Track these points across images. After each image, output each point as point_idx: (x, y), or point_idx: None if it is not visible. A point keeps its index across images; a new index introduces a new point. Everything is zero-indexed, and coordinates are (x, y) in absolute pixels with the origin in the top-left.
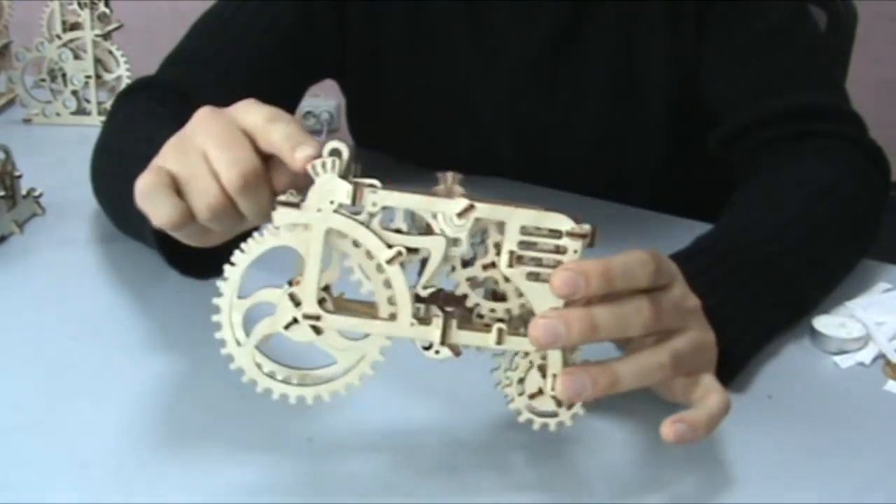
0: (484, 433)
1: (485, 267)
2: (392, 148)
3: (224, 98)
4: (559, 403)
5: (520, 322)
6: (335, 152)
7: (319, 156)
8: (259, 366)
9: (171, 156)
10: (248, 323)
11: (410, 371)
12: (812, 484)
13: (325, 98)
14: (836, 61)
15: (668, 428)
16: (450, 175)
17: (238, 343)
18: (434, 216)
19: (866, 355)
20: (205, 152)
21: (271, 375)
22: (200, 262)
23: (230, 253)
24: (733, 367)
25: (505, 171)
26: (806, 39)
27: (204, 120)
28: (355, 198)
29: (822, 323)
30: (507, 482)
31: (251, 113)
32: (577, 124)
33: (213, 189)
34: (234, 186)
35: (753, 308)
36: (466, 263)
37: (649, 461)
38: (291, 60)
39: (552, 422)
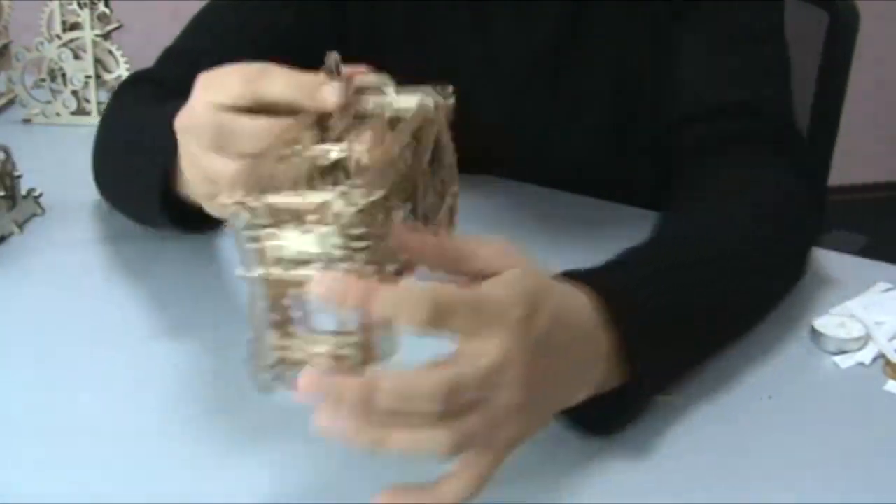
0: None
1: None
2: None
3: None
4: None
5: None
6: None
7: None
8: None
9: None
10: None
11: None
12: (812, 484)
13: None
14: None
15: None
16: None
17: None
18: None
19: (866, 355)
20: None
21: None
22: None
23: None
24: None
25: (506, 171)
26: (767, 47)
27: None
28: None
29: (822, 323)
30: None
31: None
32: (578, 124)
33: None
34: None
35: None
36: None
37: (646, 459)
38: (289, 59)
39: None
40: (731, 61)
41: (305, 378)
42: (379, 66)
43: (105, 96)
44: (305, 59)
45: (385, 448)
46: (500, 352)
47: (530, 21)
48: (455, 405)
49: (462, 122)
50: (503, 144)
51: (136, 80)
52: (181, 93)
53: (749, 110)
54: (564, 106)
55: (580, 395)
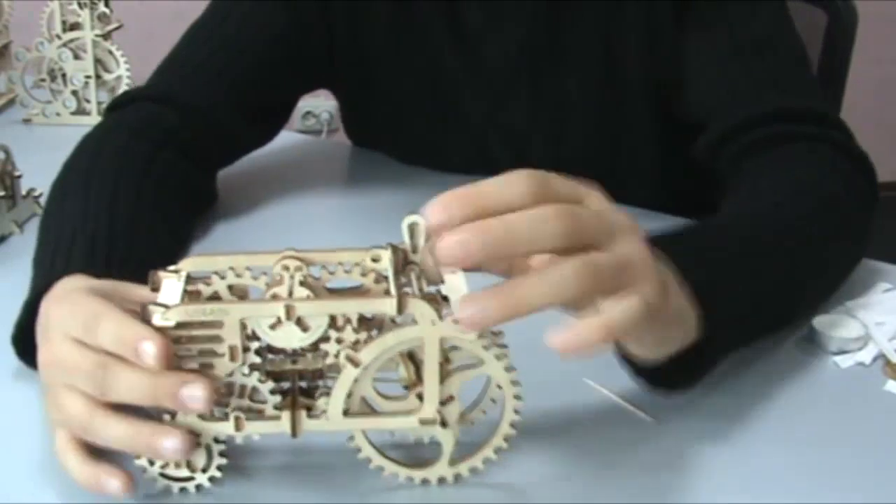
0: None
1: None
2: (387, 149)
3: (217, 101)
4: (193, 469)
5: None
6: None
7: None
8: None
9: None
10: None
11: None
12: (812, 484)
13: (325, 98)
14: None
15: (554, 336)
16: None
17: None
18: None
19: (866, 355)
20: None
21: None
22: None
23: None
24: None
25: (499, 171)
26: (789, 48)
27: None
28: None
29: (822, 323)
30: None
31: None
32: (563, 125)
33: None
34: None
35: (728, 293)
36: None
37: (646, 459)
38: (283, 63)
39: (190, 485)
40: (753, 68)
41: (444, 240)
42: (368, 69)
43: (105, 96)
44: (299, 63)
45: (528, 302)
46: (616, 213)
47: (506, 22)
48: (576, 236)
49: (452, 124)
50: (494, 145)
51: (134, 99)
52: (183, 105)
53: (781, 115)
54: (548, 105)
55: (680, 335)
